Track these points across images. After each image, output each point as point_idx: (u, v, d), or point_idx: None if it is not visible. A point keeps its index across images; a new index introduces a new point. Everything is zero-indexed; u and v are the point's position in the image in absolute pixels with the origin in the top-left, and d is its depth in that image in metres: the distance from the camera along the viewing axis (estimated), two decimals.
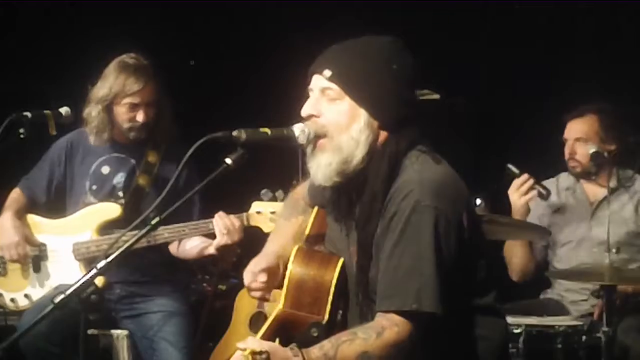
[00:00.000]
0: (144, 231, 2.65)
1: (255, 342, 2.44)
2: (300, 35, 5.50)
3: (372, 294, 2.62)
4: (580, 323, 4.18)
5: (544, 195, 4.44)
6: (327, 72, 2.65)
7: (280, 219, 3.14)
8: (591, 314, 4.30)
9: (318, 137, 2.67)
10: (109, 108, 4.22)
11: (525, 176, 4.39)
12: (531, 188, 4.38)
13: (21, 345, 3.99)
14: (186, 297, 4.48)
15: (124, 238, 2.67)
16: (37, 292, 4.33)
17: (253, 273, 2.93)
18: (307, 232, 2.93)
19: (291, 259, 2.80)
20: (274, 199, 4.12)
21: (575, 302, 4.52)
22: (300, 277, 2.76)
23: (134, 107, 4.19)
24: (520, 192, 4.38)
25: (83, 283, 2.53)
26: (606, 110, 4.49)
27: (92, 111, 4.24)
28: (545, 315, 4.24)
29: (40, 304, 4.23)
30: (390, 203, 2.59)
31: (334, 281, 2.72)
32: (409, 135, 2.66)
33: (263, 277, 2.90)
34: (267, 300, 2.98)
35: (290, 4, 5.68)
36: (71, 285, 2.54)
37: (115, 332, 4.25)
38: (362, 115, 2.63)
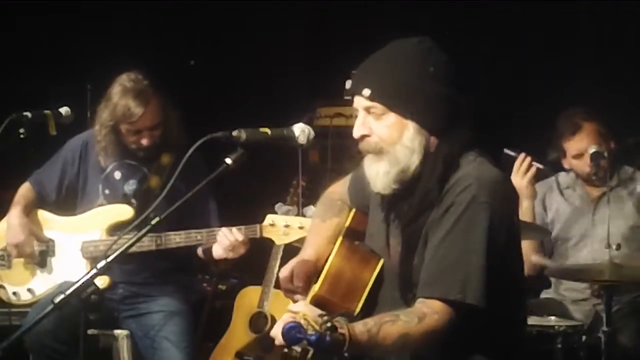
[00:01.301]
0: (143, 231, 2.65)
1: (306, 307, 2.46)
2: (300, 35, 5.51)
3: (414, 287, 2.64)
4: (580, 323, 4.18)
5: (544, 171, 4.49)
6: (367, 92, 2.65)
7: (315, 219, 3.10)
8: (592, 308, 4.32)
9: (373, 152, 2.67)
10: (114, 129, 4.21)
11: (522, 155, 4.45)
12: (530, 165, 4.43)
13: (26, 343, 4.00)
14: (187, 297, 4.48)
15: (125, 238, 2.68)
16: (41, 287, 4.32)
17: (288, 276, 2.91)
18: (347, 223, 2.97)
19: (334, 250, 2.85)
20: (287, 212, 4.14)
21: (576, 301, 4.51)
22: (341, 267, 2.81)
23: (137, 132, 4.18)
24: (521, 172, 4.41)
25: (83, 283, 2.54)
26: (595, 114, 4.49)
27: (98, 134, 4.25)
28: (545, 315, 4.24)
29: (44, 302, 4.22)
30: (447, 195, 2.61)
31: (373, 278, 2.78)
32: (461, 135, 2.67)
33: (299, 282, 2.89)
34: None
35: (290, 3, 5.68)
36: (72, 285, 2.55)
37: (116, 332, 4.26)
38: (411, 123, 2.64)
